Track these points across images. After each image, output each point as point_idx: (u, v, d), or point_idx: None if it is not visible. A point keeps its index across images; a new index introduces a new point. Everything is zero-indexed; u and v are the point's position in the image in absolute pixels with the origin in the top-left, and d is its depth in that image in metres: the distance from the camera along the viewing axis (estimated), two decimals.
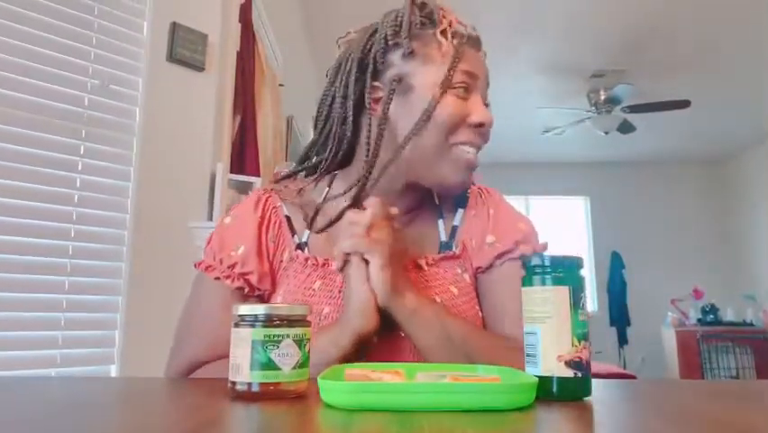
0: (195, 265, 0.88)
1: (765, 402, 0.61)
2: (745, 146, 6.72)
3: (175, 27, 2.09)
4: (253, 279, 0.84)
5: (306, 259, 0.85)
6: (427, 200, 0.94)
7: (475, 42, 0.86)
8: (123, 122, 2.00)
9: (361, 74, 0.85)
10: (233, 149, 2.37)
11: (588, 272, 6.66)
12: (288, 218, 0.90)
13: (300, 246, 0.87)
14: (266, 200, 0.90)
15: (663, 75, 4.84)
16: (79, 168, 1.88)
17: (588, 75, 4.88)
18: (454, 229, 0.91)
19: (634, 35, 4.19)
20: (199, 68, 2.15)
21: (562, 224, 7.25)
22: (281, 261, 0.86)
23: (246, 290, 0.84)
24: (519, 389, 0.52)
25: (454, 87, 0.81)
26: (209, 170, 2.14)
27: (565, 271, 0.60)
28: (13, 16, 1.77)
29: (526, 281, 0.62)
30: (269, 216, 0.89)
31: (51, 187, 1.81)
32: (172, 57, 2.09)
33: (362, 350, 0.75)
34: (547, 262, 0.61)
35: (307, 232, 0.88)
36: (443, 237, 0.90)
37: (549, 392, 0.57)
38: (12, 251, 1.70)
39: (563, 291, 0.59)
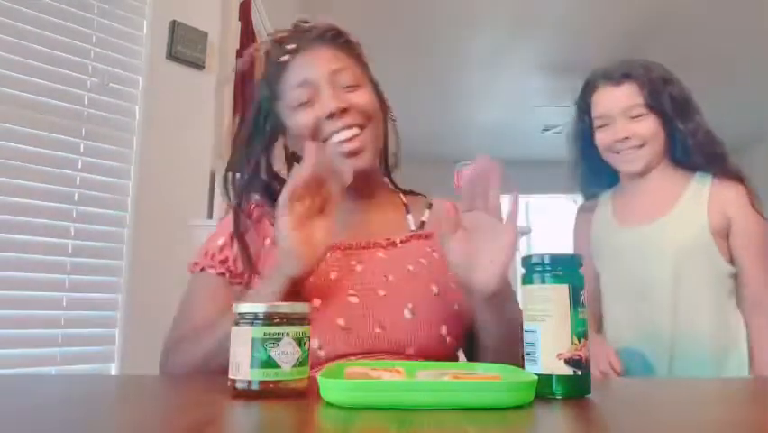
0: (188, 269, 0.97)
1: (763, 400, 0.61)
2: (745, 145, 6.71)
3: (175, 25, 2.09)
4: (230, 264, 0.91)
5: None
6: (391, 198, 1.03)
7: (312, 39, 0.95)
8: (123, 120, 1.99)
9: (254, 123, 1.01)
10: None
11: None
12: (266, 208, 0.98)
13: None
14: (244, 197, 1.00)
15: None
16: (79, 166, 1.87)
17: (588, 73, 4.88)
18: (422, 224, 0.99)
19: (634, 33, 4.18)
20: (199, 66, 2.15)
21: (562, 222, 7.24)
22: (263, 246, 0.94)
23: (227, 275, 0.91)
24: (519, 387, 0.52)
25: (298, 107, 0.91)
26: (209, 169, 2.14)
27: (565, 269, 0.60)
28: (13, 14, 1.76)
29: (526, 280, 0.62)
30: (248, 208, 0.98)
31: (51, 185, 1.80)
32: (172, 55, 2.08)
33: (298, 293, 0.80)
34: (547, 261, 0.61)
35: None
36: (413, 227, 0.98)
37: (549, 390, 0.57)
38: (12, 249, 1.70)
39: (563, 290, 0.59)
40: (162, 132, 2.05)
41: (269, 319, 0.57)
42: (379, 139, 0.97)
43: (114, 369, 1.86)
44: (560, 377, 0.57)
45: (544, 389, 0.56)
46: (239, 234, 0.92)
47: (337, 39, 0.97)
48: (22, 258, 1.72)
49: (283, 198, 0.78)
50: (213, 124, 2.17)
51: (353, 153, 0.89)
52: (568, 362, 0.57)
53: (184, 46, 2.10)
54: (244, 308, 0.58)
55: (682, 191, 1.35)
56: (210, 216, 2.09)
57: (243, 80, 2.44)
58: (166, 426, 0.43)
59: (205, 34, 2.17)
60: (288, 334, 0.57)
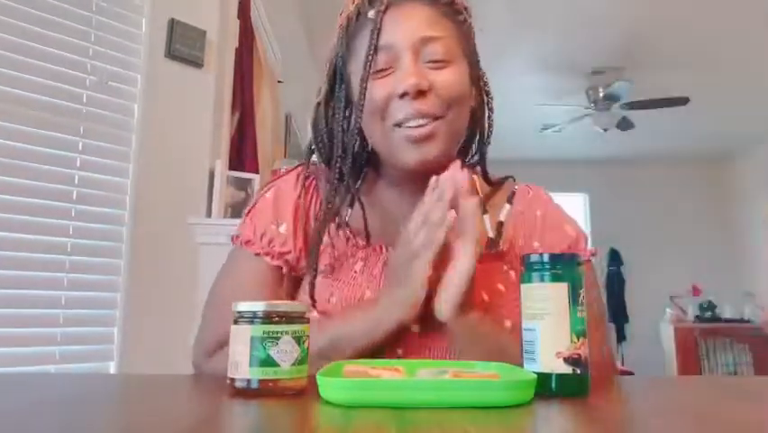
0: (232, 239, 0.85)
1: (763, 399, 0.61)
2: (744, 143, 6.72)
3: (173, 23, 2.09)
4: (291, 258, 0.81)
5: (348, 239, 0.82)
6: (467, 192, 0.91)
7: None
8: (122, 118, 1.99)
9: (330, 85, 0.85)
10: (232, 146, 2.37)
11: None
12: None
13: (340, 225, 0.82)
14: (306, 177, 0.87)
15: (663, 72, 4.84)
16: (78, 164, 1.87)
17: (587, 72, 4.87)
18: (500, 225, 0.87)
19: (633, 32, 4.18)
20: (198, 64, 2.15)
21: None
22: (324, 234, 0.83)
23: (284, 269, 0.81)
24: (518, 385, 0.52)
25: (373, 74, 0.76)
26: (208, 167, 2.14)
27: (564, 267, 0.60)
28: (12, 12, 1.76)
29: (525, 278, 0.62)
30: (311, 192, 0.87)
31: (50, 183, 1.80)
32: (171, 53, 2.08)
33: (398, 340, 0.72)
34: (546, 259, 0.61)
35: (349, 210, 0.84)
36: (490, 233, 0.85)
37: (548, 389, 0.57)
38: (10, 247, 1.70)
39: (562, 288, 0.59)
40: (161, 130, 2.05)
41: (269, 318, 0.57)
42: (461, 127, 0.82)
43: (112, 367, 1.86)
44: (559, 375, 0.57)
45: (543, 387, 0.56)
46: (315, 240, 0.80)
47: None
48: (21, 257, 1.72)
49: (431, 238, 0.68)
50: (211, 123, 2.17)
51: (421, 139, 0.75)
52: (567, 360, 0.57)
53: (183, 44, 2.10)
54: (243, 306, 0.58)
55: None
56: (209, 214, 2.09)
57: (242, 78, 2.44)
58: (165, 425, 0.43)
59: (204, 32, 2.17)
60: (287, 332, 0.57)
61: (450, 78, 0.77)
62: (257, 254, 0.81)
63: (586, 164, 7.33)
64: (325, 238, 0.81)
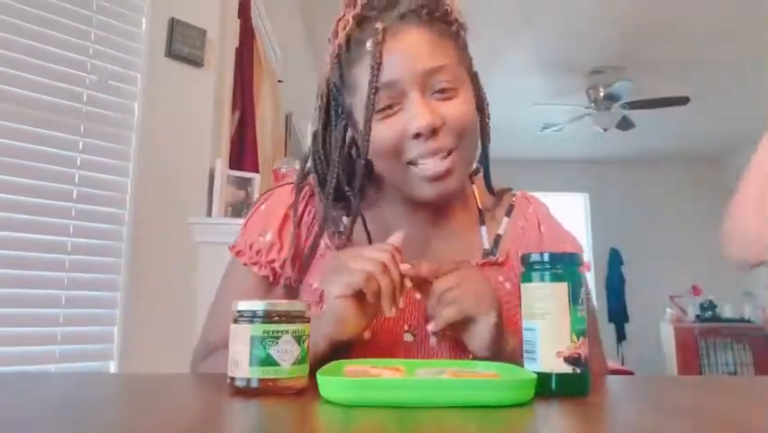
0: (228, 249, 0.86)
1: (763, 398, 0.61)
2: (745, 143, 6.71)
3: (173, 23, 2.09)
4: (277, 266, 0.82)
5: (346, 246, 0.81)
6: (466, 204, 0.90)
7: (403, 15, 0.74)
8: (122, 117, 1.99)
9: (327, 114, 0.83)
10: (232, 145, 2.36)
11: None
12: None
13: (336, 234, 0.83)
14: (302, 188, 0.87)
15: (663, 72, 4.84)
16: (78, 163, 1.87)
17: (587, 71, 4.87)
18: (498, 238, 0.87)
19: (633, 32, 4.18)
20: (198, 63, 2.15)
21: (561, 221, 7.23)
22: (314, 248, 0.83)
23: (271, 278, 0.82)
24: (518, 385, 0.52)
25: (378, 113, 0.73)
26: (208, 167, 2.13)
27: (564, 267, 0.60)
28: (12, 11, 1.76)
29: (525, 278, 0.62)
30: (306, 202, 0.86)
31: (50, 182, 1.80)
32: (171, 53, 2.08)
33: (344, 349, 0.71)
34: (546, 259, 0.61)
35: (345, 219, 0.84)
36: (487, 245, 0.86)
37: (548, 389, 0.57)
38: (11, 247, 1.70)
39: (562, 288, 0.59)
40: (161, 129, 2.05)
41: (269, 317, 0.57)
42: (473, 154, 0.81)
43: (113, 367, 1.86)
44: (559, 375, 0.57)
45: (543, 387, 0.56)
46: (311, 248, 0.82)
47: (434, 16, 0.75)
48: (21, 256, 1.72)
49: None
50: (212, 122, 2.17)
51: (439, 177, 0.74)
52: (567, 360, 0.57)
53: (183, 43, 2.09)
54: (243, 305, 0.58)
55: None
56: (209, 214, 2.09)
57: (242, 77, 2.44)
58: (165, 424, 0.43)
59: (204, 32, 2.17)
60: (287, 332, 0.57)
61: (460, 110, 0.75)
62: (245, 264, 0.82)
63: (586, 164, 7.33)
64: (321, 243, 0.82)
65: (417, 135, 0.72)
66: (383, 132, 0.74)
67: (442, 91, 0.74)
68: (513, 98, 5.30)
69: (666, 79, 4.94)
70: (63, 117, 1.85)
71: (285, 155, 3.20)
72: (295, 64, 3.63)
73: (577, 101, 5.15)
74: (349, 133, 0.82)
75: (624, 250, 7.04)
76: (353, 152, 0.82)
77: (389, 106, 0.73)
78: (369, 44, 0.74)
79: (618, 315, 6.86)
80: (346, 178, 0.81)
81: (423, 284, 0.72)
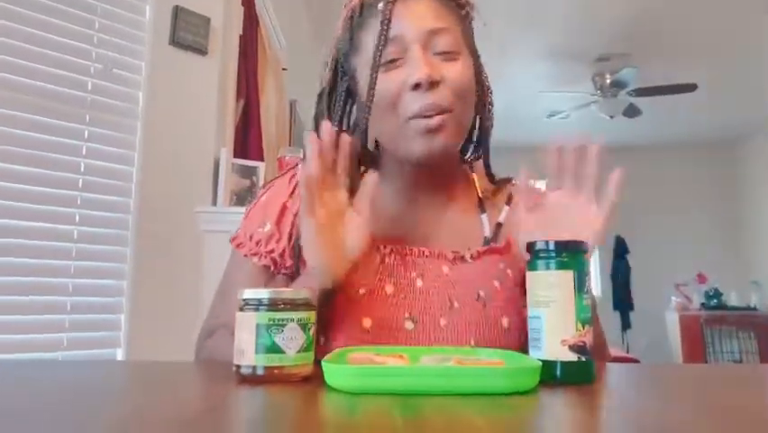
0: (230, 240, 0.88)
1: (767, 387, 0.61)
2: (752, 130, 6.67)
3: (177, 11, 2.08)
4: (277, 256, 0.82)
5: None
6: (466, 190, 0.90)
7: None
8: (127, 106, 1.99)
9: (333, 79, 0.85)
10: (237, 134, 2.36)
11: (592, 257, 6.65)
12: None
13: None
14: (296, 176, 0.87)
15: (669, 58, 4.79)
16: (83, 152, 1.88)
17: (593, 59, 4.83)
18: (499, 226, 0.87)
19: (640, 18, 4.14)
20: (202, 52, 2.14)
21: None
22: None
23: (272, 268, 0.82)
24: (523, 373, 0.52)
25: (382, 66, 0.76)
26: (213, 155, 2.14)
27: (570, 255, 0.60)
28: (16, 0, 1.76)
29: (531, 266, 0.62)
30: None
31: (56, 171, 1.81)
32: (175, 41, 2.07)
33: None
34: (552, 247, 0.60)
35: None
36: (487, 233, 0.86)
37: (552, 376, 0.57)
38: (17, 235, 1.71)
39: (568, 276, 0.59)
40: (166, 118, 2.05)
41: (274, 305, 0.57)
42: (467, 121, 0.82)
43: (119, 354, 1.88)
44: (564, 363, 0.57)
45: (547, 375, 0.56)
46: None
47: None
48: (28, 244, 1.73)
49: (304, 204, 0.69)
50: (216, 110, 2.17)
51: (432, 131, 0.75)
52: (572, 348, 0.57)
53: (187, 32, 2.09)
54: (249, 294, 0.58)
55: None
56: (214, 202, 2.09)
57: (246, 65, 2.43)
58: (171, 411, 0.44)
59: (208, 20, 2.16)
60: (292, 319, 0.57)
61: (459, 71, 0.77)
62: (245, 256, 0.83)
63: None
64: None
65: (416, 86, 0.74)
66: (385, 83, 0.76)
67: (444, 53, 0.77)
68: (519, 86, 5.27)
69: (673, 66, 4.89)
70: (68, 106, 1.85)
71: (290, 143, 3.19)
72: (299, 52, 3.62)
73: (583, 88, 5.11)
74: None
75: (629, 238, 7.01)
76: (356, 111, 0.83)
77: (393, 60, 0.76)
78: (380, 5, 0.77)
79: (623, 303, 6.85)
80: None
81: (424, 265, 0.78)
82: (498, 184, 0.91)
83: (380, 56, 0.75)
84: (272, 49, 2.92)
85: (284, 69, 3.14)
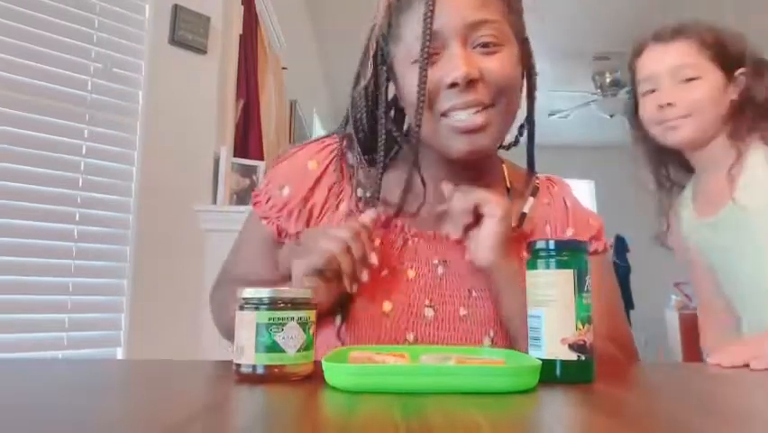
0: (252, 195, 0.89)
1: (765, 386, 0.61)
2: None
3: (177, 10, 2.08)
4: (283, 220, 0.82)
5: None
6: (497, 178, 0.89)
7: None
8: (127, 105, 1.99)
9: (374, 67, 0.82)
10: (237, 133, 2.36)
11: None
12: (354, 169, 0.84)
13: (362, 200, 0.81)
14: (333, 145, 0.86)
15: None
16: (83, 151, 1.88)
17: (593, 57, 4.83)
18: (524, 216, 0.86)
19: (639, 16, 4.14)
20: (202, 51, 2.14)
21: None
22: (334, 210, 0.82)
23: (275, 235, 0.83)
24: (523, 372, 0.52)
25: (417, 61, 0.72)
26: (213, 154, 2.13)
27: (570, 254, 0.60)
28: None
29: (531, 265, 0.62)
30: (333, 160, 0.84)
31: (56, 170, 1.81)
32: (174, 40, 2.07)
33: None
34: (552, 246, 0.60)
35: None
36: (513, 222, 0.83)
37: (552, 375, 0.57)
38: (17, 234, 1.71)
39: (568, 275, 0.59)
40: (166, 117, 2.05)
41: (274, 304, 0.57)
42: (511, 115, 0.79)
43: (120, 353, 1.88)
44: (564, 362, 0.57)
45: (547, 374, 0.56)
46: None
47: None
48: (28, 243, 1.73)
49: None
50: (216, 109, 2.17)
51: (472, 131, 0.73)
52: (572, 347, 0.57)
53: (186, 31, 2.09)
54: (249, 292, 0.58)
55: (751, 167, 1.09)
56: (214, 201, 2.09)
57: (246, 64, 2.43)
58: (171, 410, 0.44)
59: (208, 19, 2.16)
60: (292, 318, 0.57)
61: (500, 65, 0.73)
62: (260, 218, 0.84)
63: (592, 150, 7.29)
64: (343, 206, 0.82)
65: (453, 85, 0.71)
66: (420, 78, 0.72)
67: (485, 45, 0.73)
68: None
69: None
70: (68, 105, 1.85)
71: (289, 142, 3.20)
72: (299, 51, 3.62)
73: (583, 87, 5.11)
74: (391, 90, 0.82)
75: (630, 237, 7.01)
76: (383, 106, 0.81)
77: (429, 55, 0.72)
78: None
79: (624, 301, 6.83)
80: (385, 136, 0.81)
81: (447, 250, 0.79)
82: (526, 176, 0.91)
83: (427, 51, 0.71)
84: (272, 48, 2.92)
85: (284, 69, 3.14)
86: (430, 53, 0.71)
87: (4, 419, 0.40)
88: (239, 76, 2.38)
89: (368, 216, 0.74)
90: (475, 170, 0.82)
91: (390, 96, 0.83)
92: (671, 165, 1.30)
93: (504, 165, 0.91)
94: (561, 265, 0.59)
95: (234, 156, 2.25)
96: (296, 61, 3.48)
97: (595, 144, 7.21)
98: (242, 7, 2.45)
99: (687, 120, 1.12)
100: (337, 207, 0.82)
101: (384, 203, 0.80)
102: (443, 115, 0.73)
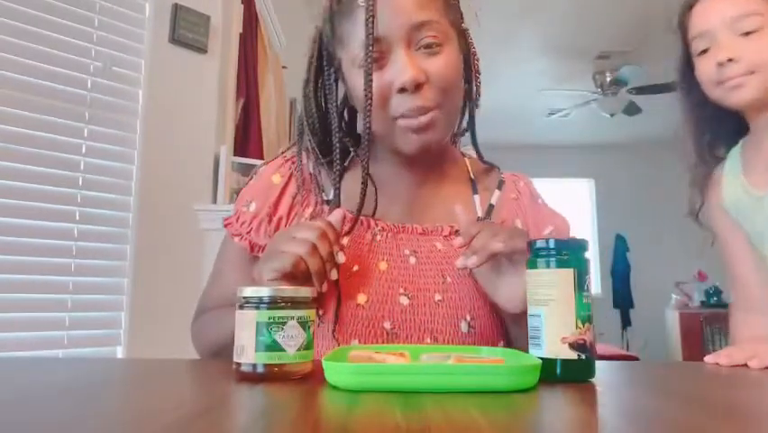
0: (224, 220, 0.91)
1: (764, 386, 0.61)
2: None
3: (177, 8, 2.08)
4: (253, 235, 0.83)
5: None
6: (456, 169, 0.92)
7: None
8: (126, 104, 1.99)
9: (318, 65, 0.85)
10: (237, 132, 2.36)
11: (592, 255, 6.66)
12: (314, 176, 0.87)
13: (327, 203, 0.84)
14: (292, 159, 0.88)
15: (670, 56, 4.78)
16: (83, 151, 1.88)
17: (593, 56, 4.83)
18: (491, 208, 0.89)
19: (640, 15, 4.13)
20: (202, 50, 2.14)
21: (567, 206, 7.22)
22: (300, 218, 0.84)
23: (248, 250, 0.84)
24: (523, 371, 0.52)
25: (360, 66, 0.75)
26: (213, 153, 2.13)
27: (570, 253, 0.60)
28: None
29: (531, 264, 0.62)
30: (293, 172, 0.87)
31: (56, 170, 1.81)
32: (174, 39, 2.07)
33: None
34: (552, 245, 0.60)
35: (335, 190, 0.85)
36: (480, 213, 0.88)
37: (553, 374, 0.57)
38: (18, 234, 1.71)
39: (568, 274, 0.59)
40: (165, 116, 2.05)
41: (274, 303, 0.57)
42: (456, 112, 0.84)
43: (120, 352, 1.88)
44: (564, 361, 0.57)
45: (548, 373, 0.56)
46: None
47: None
48: (28, 243, 1.73)
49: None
50: (216, 109, 2.17)
51: (423, 129, 0.76)
52: (572, 346, 0.57)
53: (186, 30, 2.09)
54: (249, 291, 0.58)
55: None
56: (214, 200, 2.09)
57: (246, 63, 2.43)
58: (171, 409, 0.44)
59: (208, 18, 2.16)
60: (292, 317, 0.57)
61: (444, 65, 0.76)
62: (232, 236, 0.86)
63: (592, 149, 7.29)
64: (308, 211, 0.84)
65: (402, 90, 0.74)
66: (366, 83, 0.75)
67: (428, 46, 0.75)
68: (519, 84, 5.26)
69: (674, 64, 4.89)
70: (68, 104, 1.85)
71: (289, 141, 3.19)
72: (299, 50, 3.60)
73: (583, 86, 5.11)
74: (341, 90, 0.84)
75: (629, 236, 7.01)
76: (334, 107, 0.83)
77: (376, 60, 0.74)
78: (361, 0, 0.74)
79: (624, 301, 6.85)
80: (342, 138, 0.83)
81: (417, 242, 0.81)
82: (487, 168, 0.95)
83: (370, 58, 0.73)
84: (272, 47, 2.92)
85: (284, 68, 3.14)
86: (374, 59, 0.73)
87: (5, 418, 0.40)
88: (239, 75, 2.38)
89: (335, 215, 0.75)
90: (429, 161, 0.86)
91: (341, 96, 0.86)
92: (720, 134, 1.18)
93: (466, 159, 0.95)
94: (561, 264, 0.59)
95: (234, 155, 2.25)
96: (296, 60, 3.48)
97: (595, 144, 7.21)
98: (242, 6, 2.45)
99: (752, 77, 0.98)
100: (303, 213, 0.84)
101: (349, 201, 0.82)
102: (398, 118, 0.77)
